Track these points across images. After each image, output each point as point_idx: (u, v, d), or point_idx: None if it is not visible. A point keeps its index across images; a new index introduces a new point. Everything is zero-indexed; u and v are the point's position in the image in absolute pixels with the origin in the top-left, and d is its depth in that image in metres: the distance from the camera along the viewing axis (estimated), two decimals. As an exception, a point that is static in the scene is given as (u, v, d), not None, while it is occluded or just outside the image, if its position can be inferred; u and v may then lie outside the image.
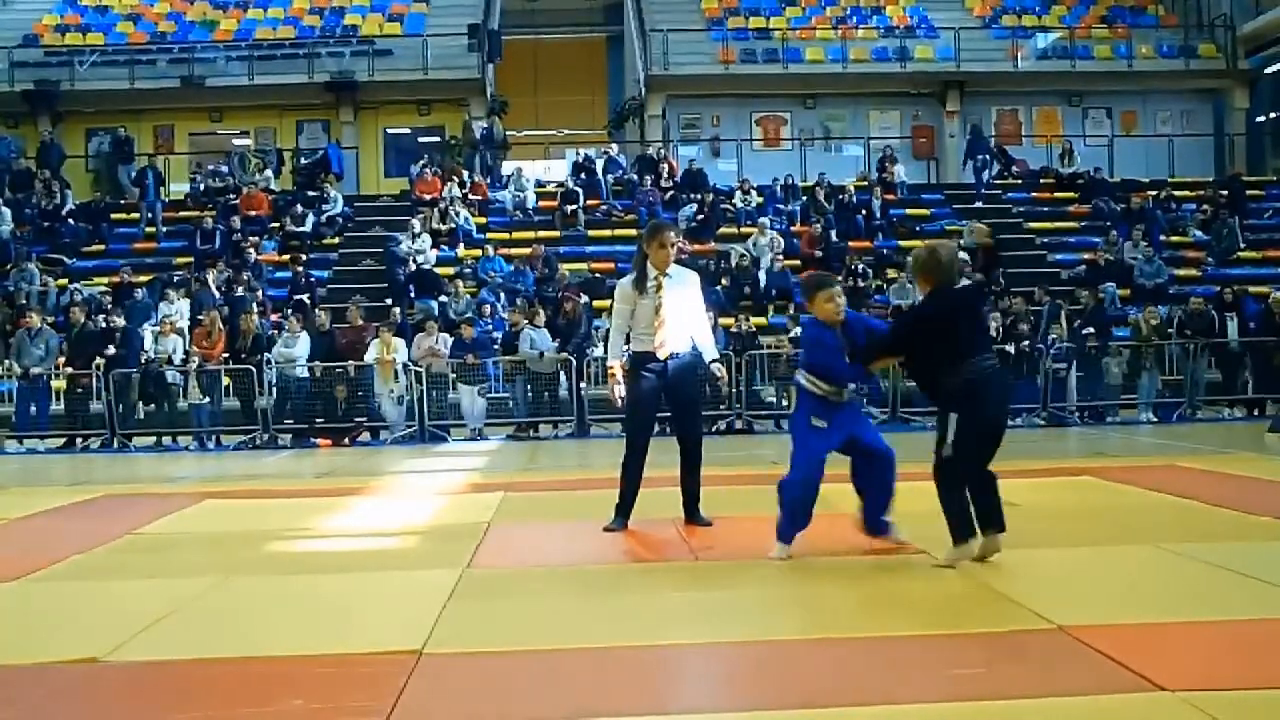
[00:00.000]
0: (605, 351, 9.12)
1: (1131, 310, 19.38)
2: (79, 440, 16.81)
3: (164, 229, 23.78)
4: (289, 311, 18.86)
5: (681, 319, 7.37)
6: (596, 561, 6.67)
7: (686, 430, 7.56)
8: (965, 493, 6.13)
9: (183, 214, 24.28)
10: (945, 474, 6.14)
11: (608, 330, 8.50)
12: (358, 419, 16.62)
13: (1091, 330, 17.48)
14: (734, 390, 16.71)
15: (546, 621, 5.43)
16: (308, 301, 19.73)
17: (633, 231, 21.94)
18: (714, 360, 7.64)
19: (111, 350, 16.52)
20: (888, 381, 17.14)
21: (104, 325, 16.88)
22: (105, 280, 21.01)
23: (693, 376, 7.64)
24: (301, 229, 23.19)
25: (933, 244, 6.59)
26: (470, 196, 24.12)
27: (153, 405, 17.04)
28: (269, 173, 25.69)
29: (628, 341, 7.62)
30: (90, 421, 16.79)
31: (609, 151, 26.95)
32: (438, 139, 28.42)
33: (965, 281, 6.84)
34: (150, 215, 23.83)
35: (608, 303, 14.76)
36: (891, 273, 21.31)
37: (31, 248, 22.22)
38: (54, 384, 17.09)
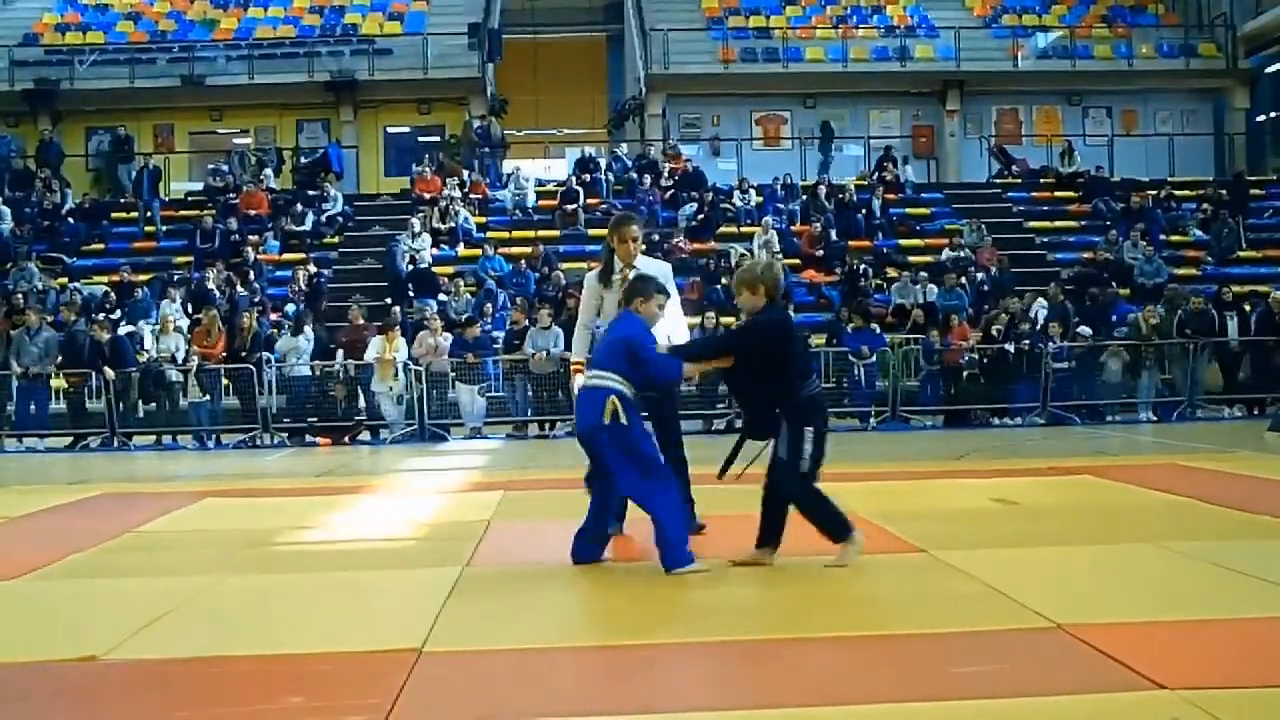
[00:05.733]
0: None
1: (1132, 309, 19.36)
2: (74, 439, 16.79)
3: (163, 228, 23.78)
4: (302, 308, 18.86)
5: None
6: (596, 560, 6.66)
7: (667, 442, 7.17)
8: (829, 501, 6.13)
9: (183, 213, 24.31)
10: (806, 488, 6.09)
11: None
12: (357, 418, 16.61)
13: (1087, 331, 17.46)
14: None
15: (546, 620, 5.43)
16: (317, 303, 19.79)
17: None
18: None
19: (106, 368, 16.43)
20: (886, 382, 17.16)
21: (92, 337, 16.80)
22: (105, 279, 21.01)
23: (672, 386, 7.41)
24: (301, 228, 23.19)
25: (765, 259, 6.51)
26: (470, 195, 24.12)
27: (153, 404, 17.04)
28: (269, 171, 25.68)
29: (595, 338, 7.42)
30: (90, 420, 16.78)
31: (614, 150, 27.01)
32: (438, 138, 28.43)
33: None
34: (148, 214, 23.82)
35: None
36: (892, 272, 21.31)
37: (31, 246, 22.22)
38: (54, 383, 17.08)
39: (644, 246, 7.72)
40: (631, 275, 7.04)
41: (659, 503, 6.14)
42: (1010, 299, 18.33)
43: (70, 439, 16.70)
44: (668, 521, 6.13)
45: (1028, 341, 16.92)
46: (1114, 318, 18.52)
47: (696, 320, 15.44)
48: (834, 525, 6.14)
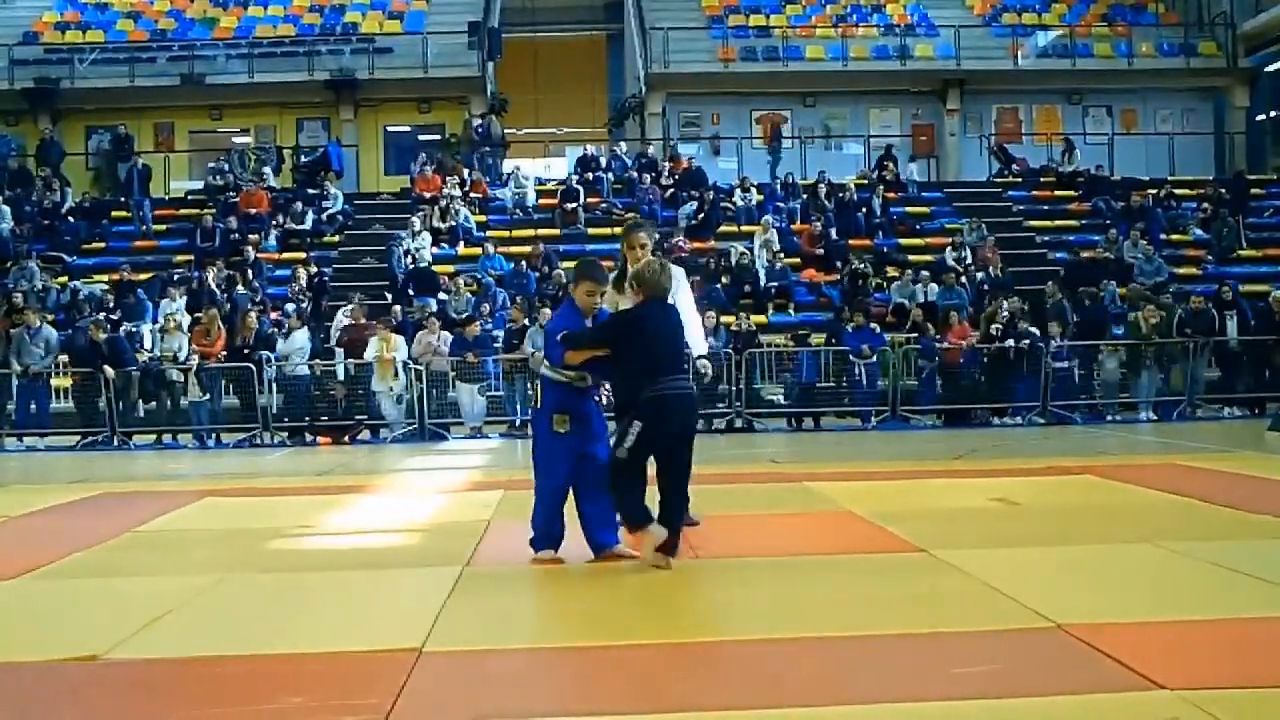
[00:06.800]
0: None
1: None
2: (81, 437, 16.78)
3: (158, 227, 23.75)
4: (302, 307, 18.87)
5: None
6: (595, 559, 6.66)
7: None
8: (638, 491, 6.27)
9: (183, 212, 24.31)
10: (620, 474, 6.25)
11: None
12: (358, 417, 16.61)
13: (1054, 327, 17.43)
14: (734, 388, 16.72)
15: (546, 619, 5.44)
16: (319, 302, 19.80)
17: (633, 230, 21.89)
18: (699, 356, 7.64)
19: (106, 366, 16.44)
20: (886, 380, 17.17)
21: (89, 339, 16.84)
22: (105, 278, 21.01)
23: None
24: (301, 226, 23.19)
25: (657, 260, 6.75)
26: (470, 194, 24.13)
27: (153, 403, 17.04)
28: (269, 170, 25.68)
29: None
30: (91, 419, 16.77)
31: (615, 150, 27.03)
32: (438, 137, 28.43)
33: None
34: (140, 213, 23.80)
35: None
36: (892, 271, 21.30)
37: (31, 245, 22.21)
38: (55, 382, 17.07)
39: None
40: None
41: (538, 492, 6.52)
42: (1005, 298, 18.31)
43: (77, 438, 16.67)
44: (536, 510, 6.54)
45: (1026, 341, 16.91)
46: (1078, 316, 18.45)
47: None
48: (632, 514, 6.27)
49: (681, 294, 7.46)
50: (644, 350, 6.28)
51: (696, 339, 7.68)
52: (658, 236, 20.21)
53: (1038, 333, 17.10)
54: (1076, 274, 20.49)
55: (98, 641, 4.93)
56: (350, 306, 18.21)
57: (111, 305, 19.37)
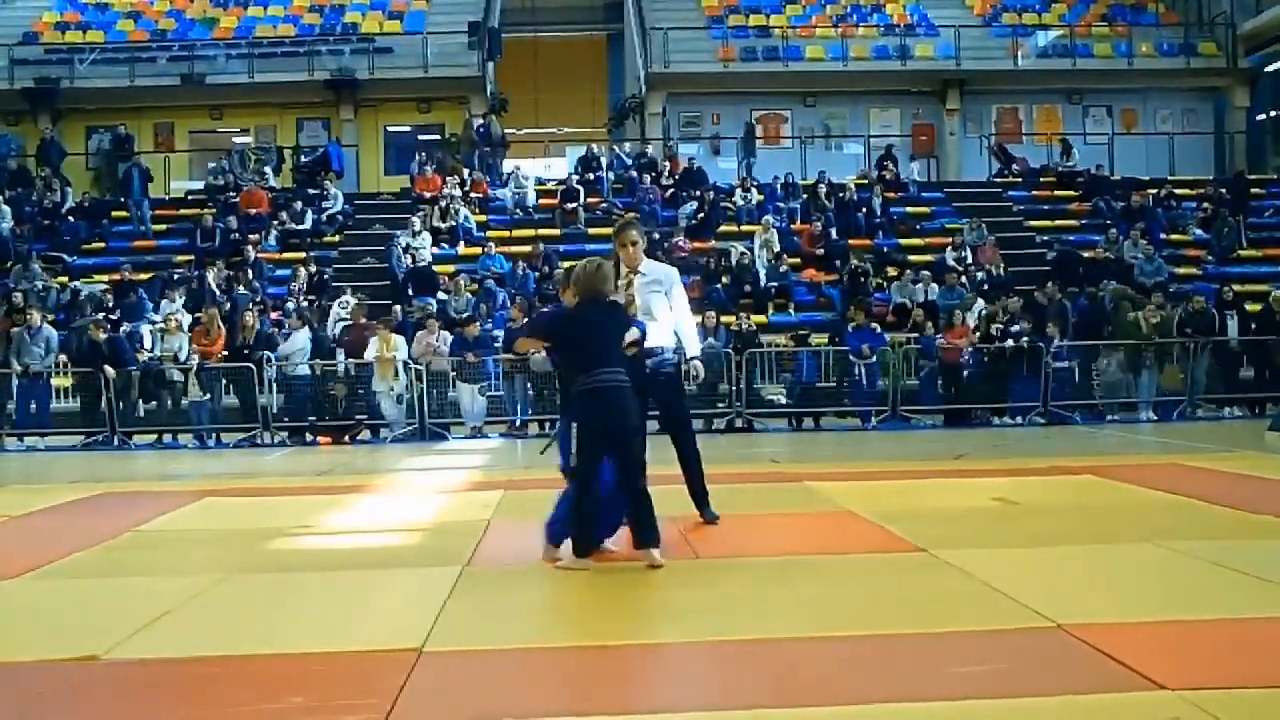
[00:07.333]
0: None
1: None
2: (81, 437, 16.78)
3: (158, 227, 23.77)
4: (305, 306, 18.86)
5: (657, 315, 7.34)
6: (596, 559, 6.66)
7: (679, 437, 7.58)
8: (591, 508, 6.32)
9: (183, 212, 24.31)
10: (575, 487, 6.35)
11: None
12: (358, 417, 16.61)
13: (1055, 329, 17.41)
14: (734, 388, 16.72)
15: (546, 619, 5.43)
16: (318, 302, 19.81)
17: (633, 229, 21.88)
18: (694, 358, 7.67)
19: (106, 366, 16.44)
20: (886, 380, 17.16)
21: (89, 339, 16.84)
22: (106, 278, 21.01)
23: (678, 385, 7.61)
24: (301, 226, 23.19)
25: (593, 260, 6.77)
26: (471, 194, 24.13)
27: (153, 403, 17.03)
28: (269, 170, 25.68)
29: None
30: (92, 419, 16.76)
31: (615, 150, 27.05)
32: (438, 137, 28.44)
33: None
34: (139, 213, 23.80)
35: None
36: (892, 271, 21.30)
37: (31, 245, 22.20)
38: (55, 381, 17.07)
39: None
40: (636, 279, 7.21)
41: (567, 494, 6.52)
42: (1007, 299, 18.32)
43: (78, 438, 16.66)
44: (556, 509, 6.57)
45: (1026, 341, 16.90)
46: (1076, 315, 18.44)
47: (697, 319, 15.49)
48: (578, 538, 6.33)
49: (675, 295, 7.50)
50: (575, 347, 6.39)
51: (690, 340, 7.72)
52: (657, 236, 20.47)
53: (1028, 326, 17.11)
54: (1066, 267, 20.46)
55: (98, 641, 4.93)
56: (349, 302, 18.20)
57: (111, 305, 19.38)
